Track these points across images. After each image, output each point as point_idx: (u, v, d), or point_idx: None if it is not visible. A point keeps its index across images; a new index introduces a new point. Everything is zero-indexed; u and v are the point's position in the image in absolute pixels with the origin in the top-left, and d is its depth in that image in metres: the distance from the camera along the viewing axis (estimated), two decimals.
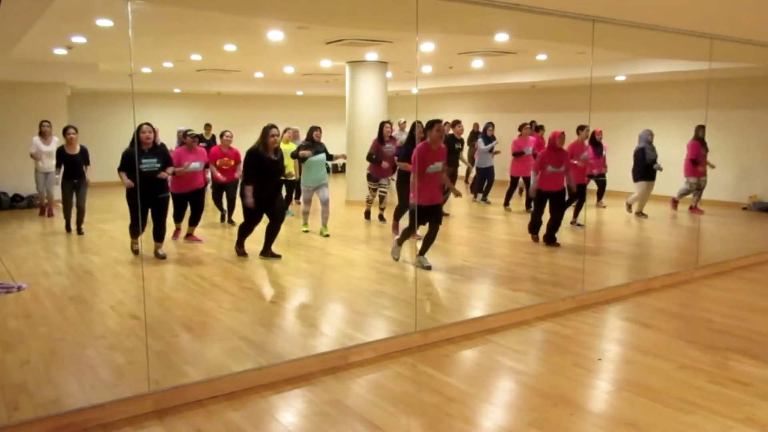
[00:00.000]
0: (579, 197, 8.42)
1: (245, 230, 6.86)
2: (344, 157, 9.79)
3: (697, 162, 9.51)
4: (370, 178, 9.08)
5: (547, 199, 7.49)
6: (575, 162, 8.03)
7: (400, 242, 6.68)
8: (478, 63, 10.83)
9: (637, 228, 8.96)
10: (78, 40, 7.65)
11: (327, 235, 8.14)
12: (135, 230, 6.90)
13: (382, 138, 8.70)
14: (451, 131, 9.37)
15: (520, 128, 10.19)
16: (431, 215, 6.17)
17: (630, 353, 4.29)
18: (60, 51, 8.73)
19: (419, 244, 6.48)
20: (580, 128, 8.38)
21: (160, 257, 6.80)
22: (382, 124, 8.85)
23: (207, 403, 3.49)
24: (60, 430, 3.18)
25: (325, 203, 8.22)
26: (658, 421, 3.27)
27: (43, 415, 3.23)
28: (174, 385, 3.55)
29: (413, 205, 6.00)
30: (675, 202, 10.11)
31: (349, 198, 11.48)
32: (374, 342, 4.28)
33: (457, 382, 3.79)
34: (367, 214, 9.50)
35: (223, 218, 9.19)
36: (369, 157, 8.76)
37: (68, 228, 8.40)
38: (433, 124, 5.98)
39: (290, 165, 8.53)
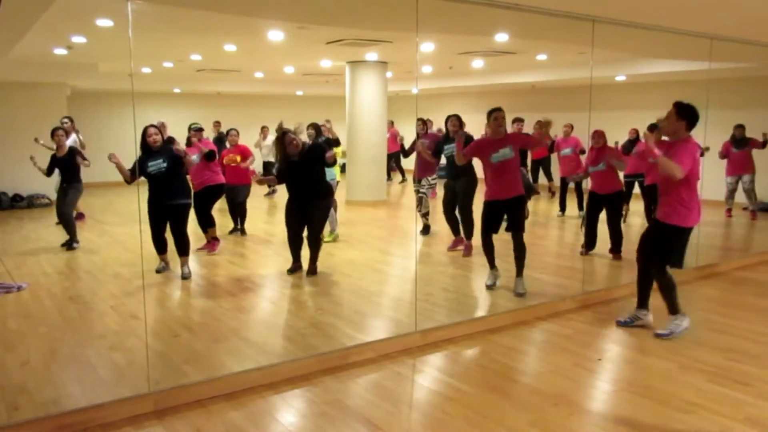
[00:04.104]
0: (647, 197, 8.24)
1: (288, 244, 6.33)
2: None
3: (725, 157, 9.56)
4: (415, 180, 8.14)
5: (598, 201, 6.85)
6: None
7: (490, 263, 5.71)
8: (478, 63, 10.82)
9: (637, 228, 8.95)
10: (78, 40, 7.65)
11: (329, 241, 7.88)
12: (155, 243, 6.19)
13: (418, 135, 8.11)
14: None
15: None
16: (505, 213, 5.51)
17: (630, 353, 4.29)
18: (60, 51, 8.73)
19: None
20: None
21: (184, 277, 6.11)
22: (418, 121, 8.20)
23: (207, 403, 3.49)
24: (60, 430, 3.19)
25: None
26: (658, 421, 3.27)
27: (43, 415, 3.23)
28: (174, 385, 3.55)
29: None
30: (728, 211, 9.86)
31: (349, 198, 11.48)
32: (374, 342, 4.28)
33: (457, 382, 3.79)
34: (426, 229, 8.21)
35: (234, 229, 8.38)
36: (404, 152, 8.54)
37: (67, 243, 7.57)
38: (490, 113, 5.46)
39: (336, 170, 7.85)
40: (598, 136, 6.82)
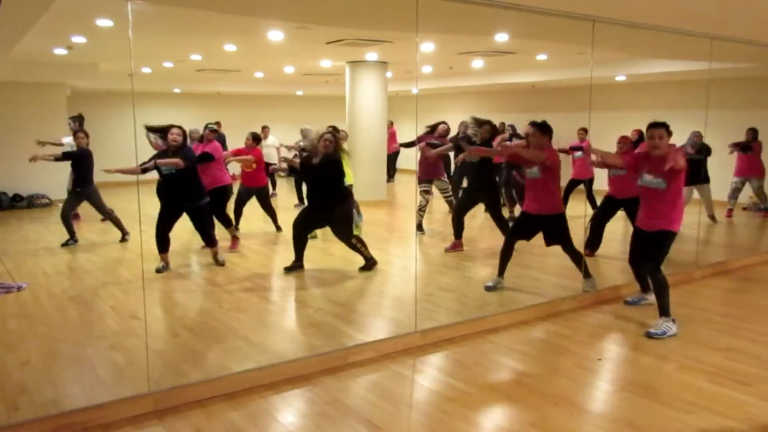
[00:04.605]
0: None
1: (293, 240, 6.35)
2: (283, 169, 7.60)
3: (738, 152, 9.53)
4: (420, 180, 7.90)
5: (615, 206, 6.77)
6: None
7: (499, 270, 5.65)
8: (478, 63, 10.82)
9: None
10: (78, 40, 7.64)
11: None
12: (159, 241, 6.27)
13: (432, 132, 7.96)
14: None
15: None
16: (539, 228, 5.47)
17: (630, 353, 4.29)
18: (60, 51, 8.73)
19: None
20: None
21: (218, 264, 6.53)
22: (437, 124, 8.12)
23: (207, 403, 3.49)
24: (60, 430, 3.19)
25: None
26: (658, 421, 3.27)
27: (43, 415, 3.23)
28: (174, 385, 3.56)
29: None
30: (730, 210, 9.81)
31: None
32: (374, 342, 4.28)
33: (457, 382, 3.79)
34: (419, 226, 8.08)
35: (236, 226, 8.30)
36: (404, 143, 8.24)
37: (67, 241, 7.68)
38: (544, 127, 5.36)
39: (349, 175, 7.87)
40: (624, 141, 6.67)
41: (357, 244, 6.33)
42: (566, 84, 12.01)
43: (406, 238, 8.35)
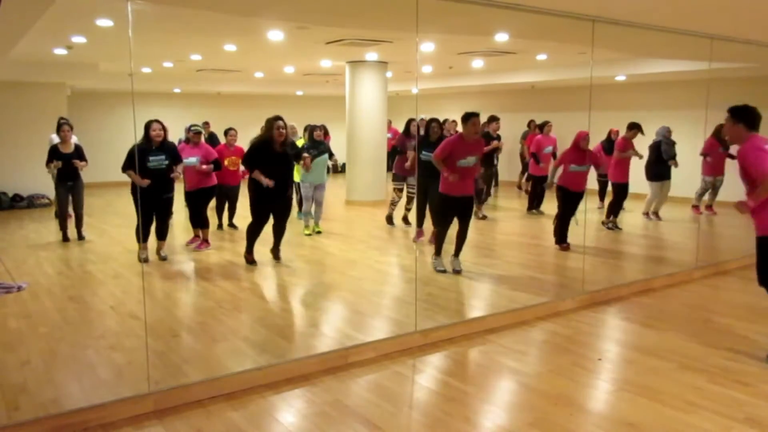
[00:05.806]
0: (620, 195, 8.66)
1: (252, 233, 6.46)
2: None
3: (706, 156, 9.29)
4: (396, 177, 8.47)
5: (574, 199, 7.25)
6: (625, 155, 8.60)
7: (438, 251, 6.26)
8: (478, 63, 10.82)
9: (638, 228, 8.96)
10: (78, 40, 7.65)
11: (319, 232, 8.17)
12: (144, 233, 6.53)
13: (408, 132, 8.21)
14: (486, 128, 9.24)
15: (541, 127, 9.86)
16: (460, 208, 6.00)
17: (630, 353, 4.29)
18: (60, 51, 8.73)
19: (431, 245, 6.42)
20: (631, 126, 8.59)
21: (161, 258, 6.71)
22: (409, 121, 8.34)
23: (207, 403, 3.49)
24: (60, 430, 3.19)
25: (318, 204, 8.16)
26: (658, 421, 3.27)
27: (43, 415, 3.23)
28: (174, 385, 3.56)
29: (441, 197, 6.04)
30: (696, 208, 9.75)
31: (349, 198, 11.49)
32: (374, 342, 4.28)
33: (457, 382, 3.79)
34: (389, 219, 8.82)
35: (220, 226, 8.62)
36: (394, 150, 8.37)
37: (65, 237, 7.85)
38: (469, 117, 5.84)
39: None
40: (588, 139, 7.18)
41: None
42: (566, 84, 12.01)
43: (405, 238, 8.35)
